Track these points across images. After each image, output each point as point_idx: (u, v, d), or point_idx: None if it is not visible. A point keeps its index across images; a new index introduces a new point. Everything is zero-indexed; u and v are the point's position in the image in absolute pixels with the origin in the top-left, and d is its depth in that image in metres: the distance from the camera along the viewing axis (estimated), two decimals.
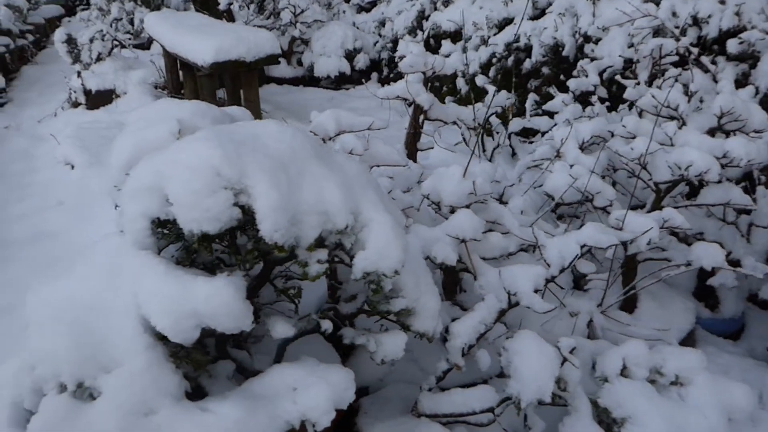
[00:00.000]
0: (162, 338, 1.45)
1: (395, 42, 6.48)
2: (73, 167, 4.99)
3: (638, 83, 3.05)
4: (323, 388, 1.45)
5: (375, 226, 1.55)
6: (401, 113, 5.75)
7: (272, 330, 1.54)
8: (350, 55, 6.76)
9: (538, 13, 4.90)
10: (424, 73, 2.99)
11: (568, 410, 1.93)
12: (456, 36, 5.38)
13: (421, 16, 5.85)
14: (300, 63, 6.99)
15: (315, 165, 1.57)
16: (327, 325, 1.67)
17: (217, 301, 1.37)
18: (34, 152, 5.74)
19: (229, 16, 6.50)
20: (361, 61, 6.76)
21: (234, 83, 5.37)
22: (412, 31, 5.98)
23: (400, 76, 6.61)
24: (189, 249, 1.74)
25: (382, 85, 6.75)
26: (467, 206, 2.14)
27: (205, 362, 1.61)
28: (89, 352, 1.37)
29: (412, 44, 2.81)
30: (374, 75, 6.87)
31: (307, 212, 1.49)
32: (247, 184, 1.44)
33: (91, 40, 6.83)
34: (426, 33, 5.77)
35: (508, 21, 4.87)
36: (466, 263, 2.15)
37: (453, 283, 2.38)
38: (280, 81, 6.92)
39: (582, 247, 1.95)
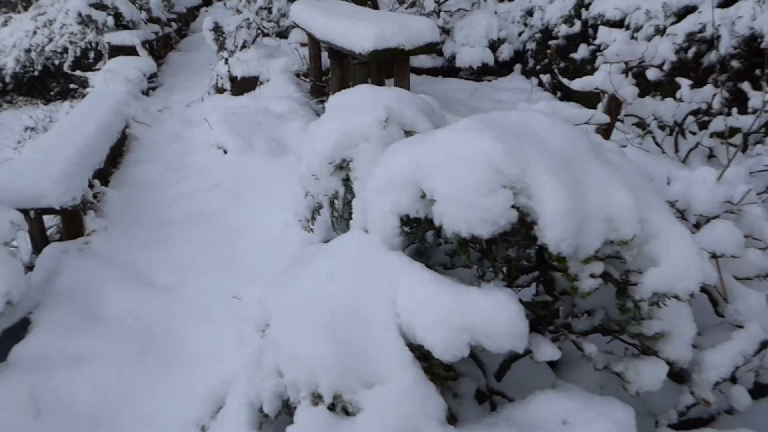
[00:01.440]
0: (418, 352, 1.29)
1: (544, 32, 6.13)
2: (225, 151, 5.09)
3: None
4: (606, 427, 1.24)
5: (668, 238, 1.30)
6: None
7: (536, 352, 1.34)
8: (493, 46, 6.47)
9: (724, 1, 4.39)
10: (626, 63, 2.69)
11: None
12: (621, 26, 4.96)
13: (580, 4, 5.46)
14: (440, 53, 6.79)
15: (594, 163, 1.34)
16: (591, 348, 1.44)
17: (500, 317, 1.19)
18: (186, 135, 5.94)
19: (373, 4, 6.42)
20: (505, 51, 6.46)
21: (380, 72, 5.25)
22: (567, 21, 5.61)
23: (547, 67, 6.27)
24: (422, 251, 1.59)
25: (528, 78, 6.43)
26: (716, 216, 1.85)
27: (447, 379, 1.44)
28: (350, 362, 1.23)
29: (616, 31, 2.54)
30: (517, 66, 6.55)
31: (592, 219, 1.27)
32: (529, 183, 1.25)
33: (238, 28, 6.99)
34: (584, 23, 5.39)
35: (689, 9, 4.41)
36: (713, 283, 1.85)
37: None
38: (418, 71, 6.76)
39: None
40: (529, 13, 6.53)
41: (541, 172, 1.24)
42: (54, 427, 2.51)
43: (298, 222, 2.77)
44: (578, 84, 2.73)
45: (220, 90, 6.99)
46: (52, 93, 14.91)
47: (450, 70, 6.84)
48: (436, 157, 1.32)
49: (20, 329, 3.02)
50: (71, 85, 14.41)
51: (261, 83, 6.74)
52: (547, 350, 1.33)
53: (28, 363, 2.80)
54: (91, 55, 14.26)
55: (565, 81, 2.77)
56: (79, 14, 7.41)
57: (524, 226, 1.31)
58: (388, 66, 5.09)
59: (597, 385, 2.07)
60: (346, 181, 2.26)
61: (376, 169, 1.47)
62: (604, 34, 2.71)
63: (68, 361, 2.83)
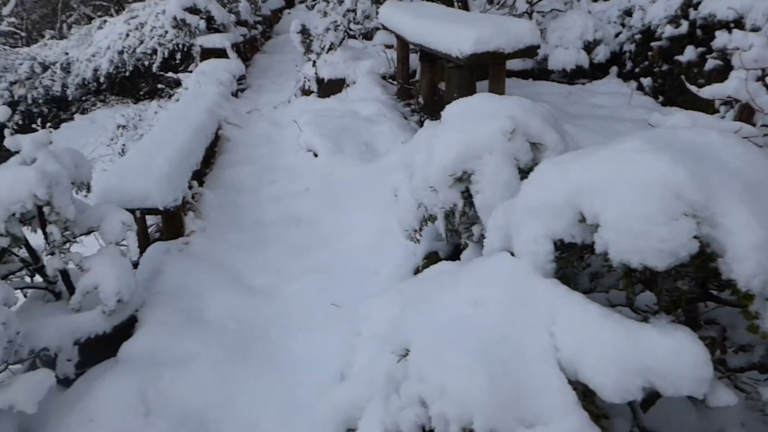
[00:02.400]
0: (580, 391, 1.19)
1: (645, 33, 5.82)
2: (315, 154, 5.12)
3: None
4: None
5: None
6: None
7: (711, 396, 1.20)
8: (588, 47, 6.22)
9: None
10: (763, 70, 2.48)
11: None
12: (736, 26, 4.64)
13: (688, 4, 5.14)
14: None
15: None
16: None
17: (682, 360, 1.07)
18: (276, 137, 6.02)
19: (462, 5, 6.30)
20: (601, 53, 6.19)
21: (473, 75, 5.13)
22: (672, 21, 5.30)
23: (648, 70, 5.97)
24: (569, 276, 1.48)
25: (625, 81, 6.14)
26: None
27: (601, 417, 1.33)
28: (506, 398, 1.15)
29: (753, 35, 2.33)
30: (613, 69, 6.27)
31: None
32: (714, 211, 1.12)
33: (326, 31, 7.03)
34: (692, 23, 5.07)
35: None
36: None
37: None
38: (507, 73, 6.57)
39: None
40: (628, 12, 6.23)
41: (727, 199, 1.11)
42: (163, 426, 2.55)
43: (404, 232, 2.71)
44: (708, 92, 2.54)
45: (306, 92, 7.06)
46: (141, 92, 15.63)
47: (540, 72, 6.63)
48: (601, 179, 1.21)
49: (128, 326, 3.12)
50: (159, 85, 15.08)
51: (347, 85, 6.76)
52: (724, 395, 1.20)
53: (137, 361, 2.87)
54: (178, 56, 14.86)
55: (692, 88, 2.57)
56: (174, 18, 7.66)
57: (700, 258, 1.18)
58: (481, 69, 4.99)
59: (737, 418, 1.90)
60: (466, 194, 2.18)
61: (524, 187, 1.38)
62: (738, 38, 2.50)
63: (174, 361, 2.88)
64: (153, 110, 13.67)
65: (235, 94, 7.42)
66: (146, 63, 15.23)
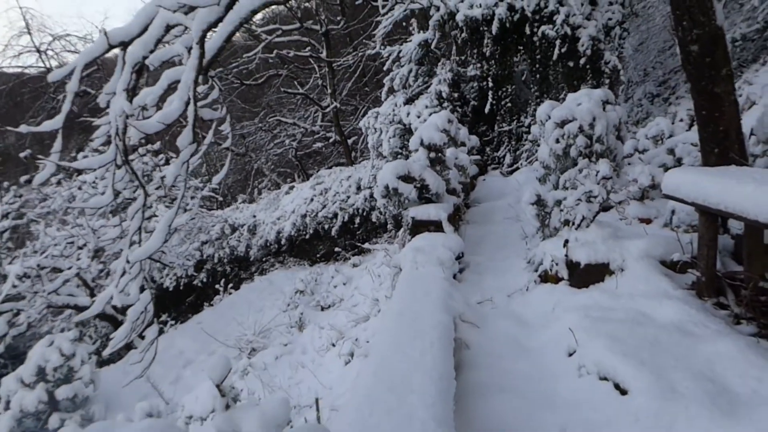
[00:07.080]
0: None
1: None
2: (620, 388, 3.34)
3: None
4: None
5: None
6: None
7: None
8: None
9: None
10: None
11: None
12: None
13: None
14: None
15: None
16: None
17: None
18: (527, 342, 4.37)
19: (741, 150, 4.54)
20: None
21: None
22: None
23: None
24: None
25: None
26: None
27: None
28: None
29: None
30: None
31: None
32: None
33: (577, 202, 5.55)
34: None
35: None
36: None
37: None
38: None
39: None
40: None
41: None
42: None
43: None
44: None
45: (551, 278, 5.46)
46: (318, 255, 15.32)
47: None
48: None
49: None
50: (336, 249, 14.64)
51: (611, 272, 5.06)
52: None
53: None
54: (357, 220, 14.51)
55: None
56: (386, 187, 6.71)
57: None
58: None
59: None
60: None
61: None
62: None
63: None
64: (330, 274, 13.00)
65: (454, 276, 6.03)
66: (326, 227, 15.06)
